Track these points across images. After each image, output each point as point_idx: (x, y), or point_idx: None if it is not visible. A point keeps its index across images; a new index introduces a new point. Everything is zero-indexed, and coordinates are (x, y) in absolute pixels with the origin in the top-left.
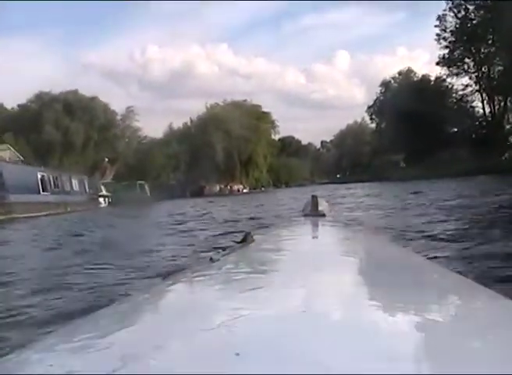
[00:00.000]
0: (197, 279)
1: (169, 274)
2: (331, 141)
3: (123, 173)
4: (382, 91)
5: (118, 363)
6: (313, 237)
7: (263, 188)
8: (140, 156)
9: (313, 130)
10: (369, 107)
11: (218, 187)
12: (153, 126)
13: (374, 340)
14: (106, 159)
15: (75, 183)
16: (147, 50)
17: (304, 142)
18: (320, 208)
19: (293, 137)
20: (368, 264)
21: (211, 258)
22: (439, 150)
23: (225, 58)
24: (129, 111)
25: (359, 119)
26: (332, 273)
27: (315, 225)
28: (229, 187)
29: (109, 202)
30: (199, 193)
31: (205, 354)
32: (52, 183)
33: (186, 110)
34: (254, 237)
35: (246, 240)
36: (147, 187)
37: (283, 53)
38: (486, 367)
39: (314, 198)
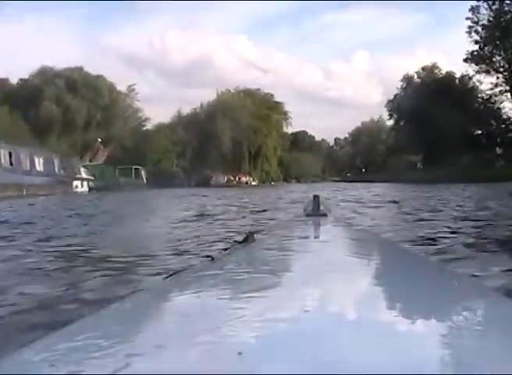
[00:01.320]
0: (198, 279)
1: (170, 274)
2: (345, 138)
3: (120, 156)
4: (404, 86)
5: (118, 363)
6: (315, 237)
7: (273, 182)
8: (139, 139)
9: (327, 127)
10: (389, 101)
11: (225, 178)
12: (166, 114)
13: (377, 339)
14: (99, 140)
15: (38, 161)
16: (166, 37)
17: (318, 138)
18: (321, 207)
19: (306, 132)
20: (370, 264)
21: (212, 258)
22: (461, 152)
23: (244, 50)
24: (131, 90)
25: (376, 117)
26: (335, 273)
27: (317, 225)
28: (237, 179)
29: (90, 187)
30: (205, 183)
31: (207, 354)
32: (4, 159)
33: (201, 100)
34: (256, 236)
35: (247, 239)
36: (143, 172)
37: (302, 49)
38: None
39: (316, 198)
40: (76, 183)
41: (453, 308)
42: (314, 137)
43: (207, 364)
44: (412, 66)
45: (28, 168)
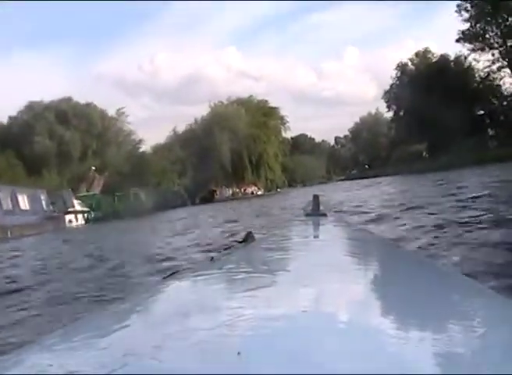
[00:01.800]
0: (198, 278)
1: (170, 274)
2: (345, 136)
3: (117, 183)
4: (398, 74)
5: (118, 363)
6: (314, 237)
7: (278, 189)
8: (135, 162)
9: (326, 127)
10: (385, 92)
11: (229, 191)
12: (164, 135)
13: (376, 341)
14: (93, 168)
15: (22, 199)
16: (155, 58)
17: (318, 140)
18: (321, 207)
19: (306, 136)
20: (369, 264)
21: (212, 258)
22: (466, 136)
23: (234, 61)
24: (120, 113)
25: (373, 111)
26: (334, 273)
27: (317, 225)
28: (242, 190)
29: (87, 219)
30: (209, 198)
31: (206, 353)
32: None
33: (198, 116)
34: (255, 236)
35: (247, 240)
36: (142, 195)
37: (292, 53)
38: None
39: (316, 198)
40: (70, 217)
41: (450, 308)
42: (314, 139)
43: (206, 364)
44: (403, 56)
45: (10, 207)
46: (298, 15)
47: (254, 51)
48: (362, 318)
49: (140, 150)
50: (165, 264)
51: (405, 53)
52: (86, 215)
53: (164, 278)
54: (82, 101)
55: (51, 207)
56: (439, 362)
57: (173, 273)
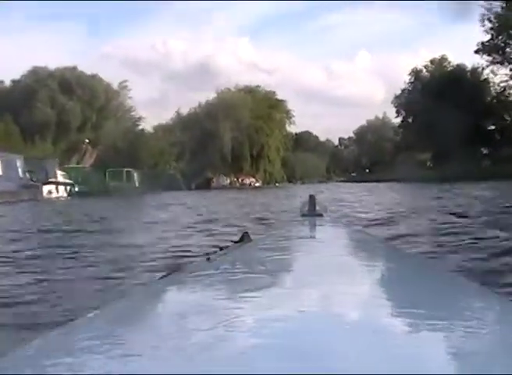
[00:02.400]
0: (194, 278)
1: (166, 274)
2: (349, 137)
3: (111, 159)
4: (411, 80)
5: (116, 363)
6: (311, 237)
7: (277, 184)
8: (133, 140)
9: (331, 127)
10: (396, 97)
11: (227, 180)
12: (167, 117)
13: (372, 340)
14: (87, 141)
15: None
16: (168, 41)
17: (322, 139)
18: (317, 207)
19: (310, 133)
20: (366, 264)
21: (208, 258)
22: (474, 149)
23: (247, 52)
24: (122, 87)
25: (380, 115)
26: (330, 273)
27: (313, 225)
28: (240, 181)
29: (69, 192)
30: (206, 185)
31: (202, 354)
32: None
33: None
34: (252, 236)
35: (243, 240)
36: (136, 175)
37: (305, 50)
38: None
39: (312, 198)
40: (50, 188)
41: (449, 306)
42: (318, 138)
43: (203, 364)
44: (414, 63)
45: None
46: (314, 13)
47: (268, 44)
48: (359, 318)
49: (139, 128)
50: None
51: (417, 60)
52: (69, 188)
53: (160, 278)
54: (88, 72)
55: (27, 175)
56: (444, 362)
57: (169, 274)
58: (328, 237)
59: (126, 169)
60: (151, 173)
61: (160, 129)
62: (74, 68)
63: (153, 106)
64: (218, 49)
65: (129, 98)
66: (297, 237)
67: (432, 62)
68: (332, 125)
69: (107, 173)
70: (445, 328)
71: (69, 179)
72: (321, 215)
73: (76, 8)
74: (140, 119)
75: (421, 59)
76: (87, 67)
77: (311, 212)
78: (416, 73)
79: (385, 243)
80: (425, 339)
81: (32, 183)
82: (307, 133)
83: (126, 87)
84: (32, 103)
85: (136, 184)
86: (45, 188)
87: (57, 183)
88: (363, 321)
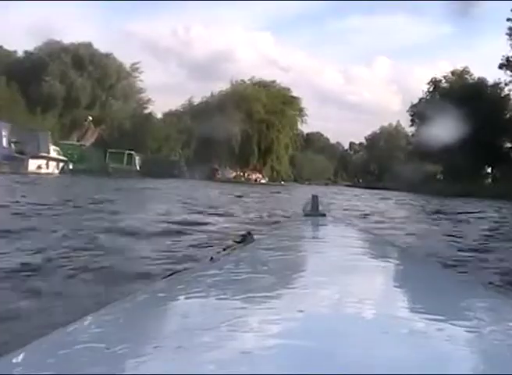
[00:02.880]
0: (197, 279)
1: (169, 274)
2: (360, 143)
3: (114, 139)
4: (430, 89)
5: (118, 363)
6: (313, 237)
7: (283, 182)
8: (138, 122)
9: (342, 131)
10: (412, 106)
11: (233, 173)
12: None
13: (379, 338)
14: (90, 118)
15: None
16: (190, 28)
17: (332, 141)
18: (320, 207)
19: (321, 134)
20: (369, 263)
21: (211, 258)
22: (489, 166)
23: (267, 47)
24: (134, 68)
25: (394, 123)
26: (333, 273)
27: (316, 225)
28: (245, 175)
29: (61, 170)
30: (210, 176)
31: (206, 354)
32: None
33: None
34: (255, 236)
35: (246, 240)
36: (137, 158)
37: (324, 50)
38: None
39: (315, 198)
40: (39, 162)
41: (450, 306)
42: (328, 140)
43: (207, 364)
44: (433, 75)
45: None
46: (336, 14)
47: (287, 41)
48: (365, 317)
49: (147, 111)
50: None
51: (436, 72)
52: (62, 164)
53: (163, 278)
54: (104, 49)
55: (13, 146)
56: (456, 362)
57: (172, 274)
58: (332, 236)
59: (127, 152)
60: (155, 157)
61: (169, 115)
62: (89, 44)
63: (167, 92)
64: (237, 41)
65: (140, 80)
66: (300, 237)
67: (452, 73)
68: (344, 129)
69: (107, 154)
70: (452, 327)
71: (65, 156)
72: (323, 215)
73: None
74: (148, 101)
75: (440, 71)
76: (105, 44)
77: (314, 211)
78: (435, 83)
79: (389, 242)
80: (435, 339)
81: (17, 155)
82: (318, 134)
83: (137, 68)
84: (41, 76)
85: (137, 168)
86: (33, 162)
87: (48, 159)
88: (369, 321)
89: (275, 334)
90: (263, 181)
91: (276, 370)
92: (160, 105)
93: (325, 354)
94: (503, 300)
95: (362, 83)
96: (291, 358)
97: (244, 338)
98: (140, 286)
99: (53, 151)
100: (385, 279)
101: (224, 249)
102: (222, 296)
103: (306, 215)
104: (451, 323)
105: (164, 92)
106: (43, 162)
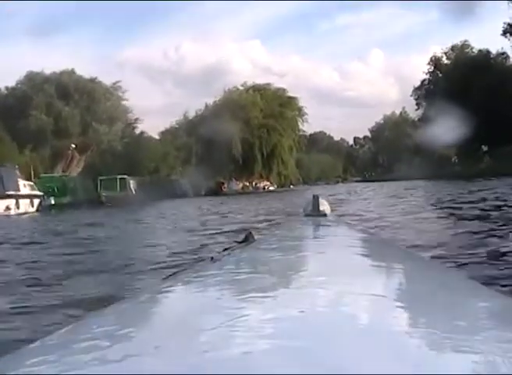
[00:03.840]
0: (198, 279)
1: (170, 274)
2: (365, 137)
3: (105, 165)
4: (430, 69)
5: (118, 364)
6: (314, 237)
7: (291, 186)
8: (130, 144)
9: (345, 128)
10: (415, 89)
11: (239, 184)
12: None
13: (379, 339)
14: (72, 146)
15: None
16: (181, 47)
17: (336, 138)
18: (321, 207)
19: (324, 133)
20: (369, 264)
21: (212, 258)
22: (505, 142)
23: (259, 55)
24: (116, 87)
25: (397, 111)
26: (334, 273)
27: (317, 225)
28: (253, 184)
29: (38, 207)
30: (216, 191)
31: (207, 354)
32: None
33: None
34: (256, 236)
35: (247, 239)
36: (132, 182)
37: (317, 51)
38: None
39: (316, 198)
40: (7, 203)
41: (452, 307)
42: (332, 138)
43: (207, 364)
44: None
45: None
46: (325, 14)
47: (279, 46)
48: (366, 318)
49: (137, 131)
50: None
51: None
52: (38, 201)
53: (164, 278)
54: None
55: None
56: (454, 363)
57: (174, 274)
58: (332, 237)
59: (119, 176)
60: (152, 179)
61: (165, 133)
62: (72, 71)
63: (165, 113)
64: (229, 53)
65: (125, 99)
66: (301, 237)
67: (452, 48)
68: (346, 126)
69: (99, 182)
70: (452, 327)
71: (43, 190)
72: (324, 215)
73: (87, 16)
74: (137, 120)
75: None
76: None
77: (315, 211)
78: (436, 62)
79: (389, 243)
80: (435, 339)
81: None
82: (322, 133)
83: (120, 87)
84: (27, 110)
85: (133, 192)
86: (1, 204)
87: (17, 197)
88: (369, 322)
89: (276, 334)
90: (271, 188)
91: (276, 370)
92: (159, 127)
93: (325, 354)
94: (504, 300)
95: (359, 78)
96: (291, 359)
97: (245, 338)
98: None
99: (26, 186)
100: (386, 279)
101: (225, 249)
102: (223, 296)
103: (307, 215)
104: (451, 324)
105: (162, 113)
106: (11, 201)
